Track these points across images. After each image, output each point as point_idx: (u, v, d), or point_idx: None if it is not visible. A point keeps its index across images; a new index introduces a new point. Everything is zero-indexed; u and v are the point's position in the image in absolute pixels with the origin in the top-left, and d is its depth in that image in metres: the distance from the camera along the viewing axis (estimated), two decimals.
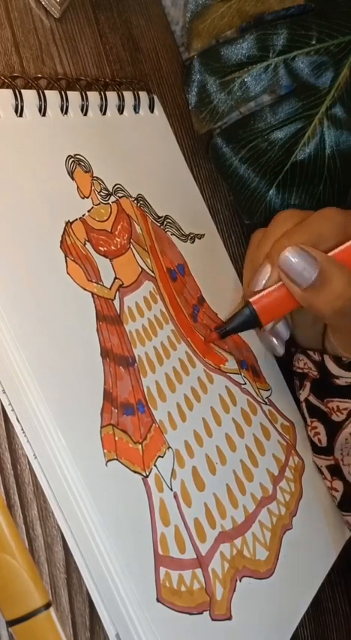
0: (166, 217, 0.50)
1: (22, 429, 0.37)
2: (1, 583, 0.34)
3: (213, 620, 0.40)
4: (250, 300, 0.46)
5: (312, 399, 0.53)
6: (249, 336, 0.54)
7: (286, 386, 0.56)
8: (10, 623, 0.34)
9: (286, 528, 0.48)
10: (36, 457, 0.37)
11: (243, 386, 0.50)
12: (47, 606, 0.35)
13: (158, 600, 0.37)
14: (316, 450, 0.53)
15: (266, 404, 0.52)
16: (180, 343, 0.47)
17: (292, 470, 0.51)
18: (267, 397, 0.53)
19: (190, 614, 0.39)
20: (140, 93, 0.52)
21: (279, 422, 0.52)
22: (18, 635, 0.34)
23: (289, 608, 0.46)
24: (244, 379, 0.51)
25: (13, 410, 0.37)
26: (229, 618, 0.41)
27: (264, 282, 0.46)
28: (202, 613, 0.39)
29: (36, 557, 0.36)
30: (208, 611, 0.40)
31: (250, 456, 0.48)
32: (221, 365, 0.49)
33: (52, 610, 0.35)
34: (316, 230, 0.46)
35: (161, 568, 0.38)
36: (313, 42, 0.56)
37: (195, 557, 0.40)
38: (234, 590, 0.42)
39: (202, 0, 0.56)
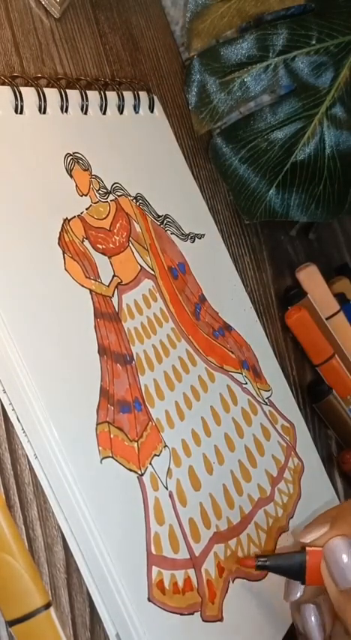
0: (165, 216, 0.50)
1: (23, 429, 0.37)
2: (1, 583, 0.34)
3: (204, 621, 0.40)
4: (308, 549, 0.40)
5: None
6: (250, 336, 0.54)
7: (287, 387, 0.56)
8: (10, 623, 0.34)
9: (282, 530, 0.48)
10: (36, 457, 0.36)
11: (244, 385, 0.50)
12: (47, 606, 0.35)
13: (149, 600, 0.37)
14: None
15: (267, 404, 0.52)
16: (180, 341, 0.47)
17: (291, 471, 0.51)
18: (267, 398, 0.52)
19: (181, 614, 0.39)
20: (140, 93, 0.52)
21: (279, 423, 0.52)
22: (18, 635, 0.34)
23: (283, 611, 0.46)
24: (246, 379, 0.51)
25: (13, 410, 0.37)
26: (221, 619, 0.41)
27: (315, 538, 0.40)
28: (193, 614, 0.39)
29: (36, 558, 0.36)
30: (199, 612, 0.40)
31: (249, 456, 0.48)
32: (224, 364, 0.49)
33: (52, 610, 0.35)
34: None
35: (154, 567, 0.38)
36: (313, 42, 0.56)
37: (188, 557, 0.40)
38: (226, 592, 0.42)
39: (202, 0, 0.56)
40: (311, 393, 0.60)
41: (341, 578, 0.38)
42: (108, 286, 0.43)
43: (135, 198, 0.49)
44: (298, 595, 0.42)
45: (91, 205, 0.45)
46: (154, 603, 0.37)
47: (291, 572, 0.40)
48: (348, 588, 0.38)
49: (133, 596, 0.36)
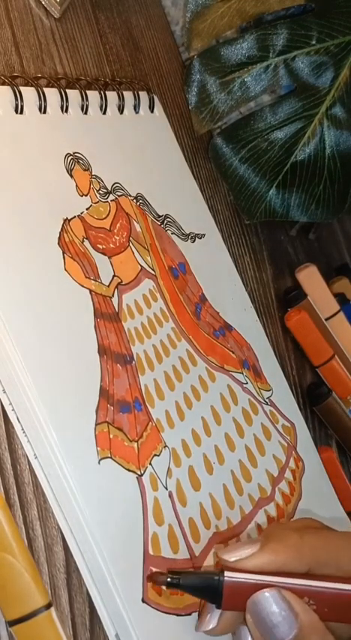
0: (166, 216, 0.50)
1: (23, 429, 0.37)
2: (2, 583, 0.34)
3: None
4: (227, 573, 0.34)
5: None
6: (250, 336, 0.53)
7: (288, 387, 0.56)
8: (11, 623, 0.34)
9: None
10: (36, 457, 0.36)
11: (245, 385, 0.50)
12: (48, 606, 0.35)
13: (143, 601, 0.37)
14: None
15: (267, 404, 0.52)
16: (180, 341, 0.47)
17: (292, 471, 0.51)
18: (268, 397, 0.52)
19: (178, 615, 0.38)
20: (140, 93, 0.52)
21: (280, 422, 0.52)
22: (18, 635, 0.34)
23: None
24: (246, 378, 0.51)
25: (13, 410, 0.37)
26: None
27: (240, 557, 0.35)
28: (190, 614, 0.39)
29: (36, 558, 0.36)
30: (197, 612, 0.39)
31: (250, 456, 0.48)
32: (225, 364, 0.49)
33: (52, 610, 0.35)
34: (334, 550, 0.36)
35: (151, 568, 0.38)
36: (313, 42, 0.56)
37: (188, 557, 0.40)
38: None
39: (202, 0, 0.56)
40: (311, 395, 0.60)
41: (270, 638, 0.33)
42: (108, 286, 0.43)
43: (135, 198, 0.49)
44: (212, 624, 0.36)
45: (91, 205, 0.45)
46: (149, 604, 0.37)
47: (206, 592, 0.34)
48: None
49: (127, 598, 0.36)
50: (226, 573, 0.34)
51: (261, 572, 0.34)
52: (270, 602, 0.33)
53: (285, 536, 0.35)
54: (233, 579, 0.34)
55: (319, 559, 0.35)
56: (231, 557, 0.35)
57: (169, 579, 0.34)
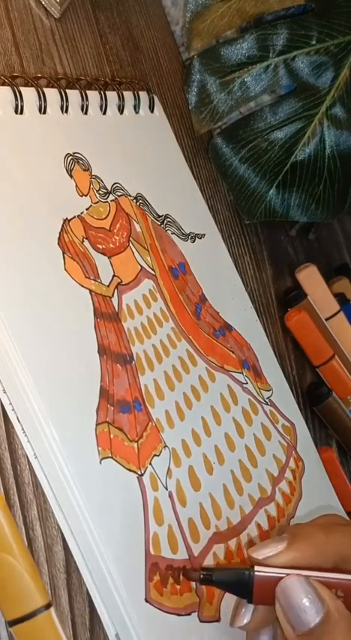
0: (166, 216, 0.51)
1: (23, 429, 0.37)
2: (2, 583, 0.34)
3: (201, 621, 0.39)
4: (257, 568, 0.36)
5: None
6: (250, 336, 0.53)
7: (288, 387, 0.56)
8: (11, 623, 0.34)
9: (283, 530, 0.48)
10: (36, 457, 0.36)
11: (245, 385, 0.50)
12: (48, 606, 0.35)
13: (146, 601, 0.37)
14: None
15: (267, 404, 0.52)
16: (180, 341, 0.47)
17: (292, 471, 0.51)
18: (268, 397, 0.52)
19: (179, 614, 0.38)
20: (140, 93, 0.52)
21: (280, 422, 0.52)
22: (18, 635, 0.34)
23: None
24: (246, 378, 0.51)
25: (13, 410, 0.37)
26: (218, 620, 0.40)
27: (268, 555, 0.36)
28: (190, 614, 0.39)
29: (36, 558, 0.36)
30: (196, 613, 0.39)
31: (250, 456, 0.48)
32: (225, 364, 0.49)
33: (52, 610, 0.35)
34: None
35: (152, 568, 0.38)
36: (313, 42, 0.56)
37: (187, 557, 0.40)
38: (224, 592, 0.42)
39: (202, 0, 0.56)
40: (311, 396, 0.60)
41: (297, 622, 0.34)
42: (108, 286, 0.43)
43: (135, 198, 0.49)
44: (246, 620, 0.38)
45: (91, 205, 0.45)
46: (151, 604, 0.37)
47: (237, 587, 0.36)
48: (306, 631, 0.34)
49: (131, 597, 0.36)
50: (256, 568, 0.36)
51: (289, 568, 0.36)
52: (297, 587, 0.35)
53: (311, 533, 0.37)
54: (263, 574, 0.36)
55: (344, 555, 0.36)
56: (259, 555, 0.36)
57: (202, 575, 0.36)
